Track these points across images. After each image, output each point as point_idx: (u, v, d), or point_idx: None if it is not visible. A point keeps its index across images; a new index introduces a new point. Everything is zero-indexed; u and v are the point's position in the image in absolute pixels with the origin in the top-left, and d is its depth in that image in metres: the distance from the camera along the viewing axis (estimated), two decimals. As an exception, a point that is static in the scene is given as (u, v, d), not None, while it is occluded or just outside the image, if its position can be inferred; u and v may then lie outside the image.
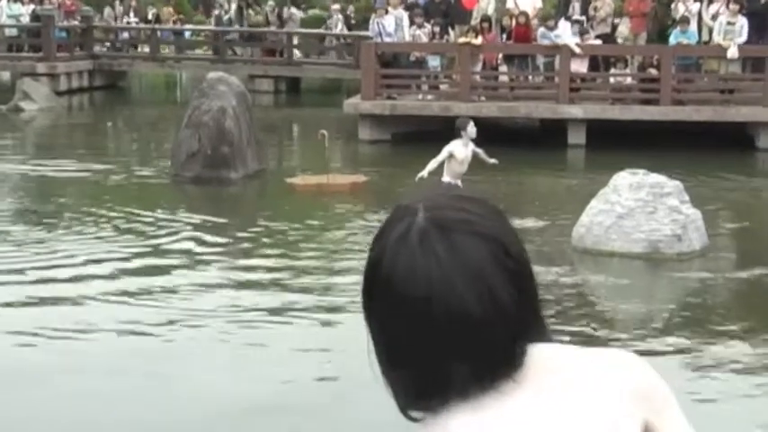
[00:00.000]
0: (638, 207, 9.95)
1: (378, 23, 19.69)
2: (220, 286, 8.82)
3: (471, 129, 12.75)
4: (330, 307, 8.24)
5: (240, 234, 10.92)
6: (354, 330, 6.98)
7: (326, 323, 7.89)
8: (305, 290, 8.75)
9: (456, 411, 1.43)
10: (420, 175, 12.91)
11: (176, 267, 9.50)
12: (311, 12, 38.59)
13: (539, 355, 1.45)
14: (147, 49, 29.51)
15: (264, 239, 10.64)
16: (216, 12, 31.41)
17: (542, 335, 1.48)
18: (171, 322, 7.76)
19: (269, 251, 10.16)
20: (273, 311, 8.07)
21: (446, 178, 12.74)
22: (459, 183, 12.61)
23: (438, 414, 1.43)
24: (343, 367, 6.68)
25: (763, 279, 9.26)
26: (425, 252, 1.41)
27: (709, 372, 6.84)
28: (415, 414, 1.46)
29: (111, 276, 9.04)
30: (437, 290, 1.39)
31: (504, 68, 20.02)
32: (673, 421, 1.50)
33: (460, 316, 1.39)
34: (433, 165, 12.75)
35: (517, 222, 11.58)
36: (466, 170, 12.72)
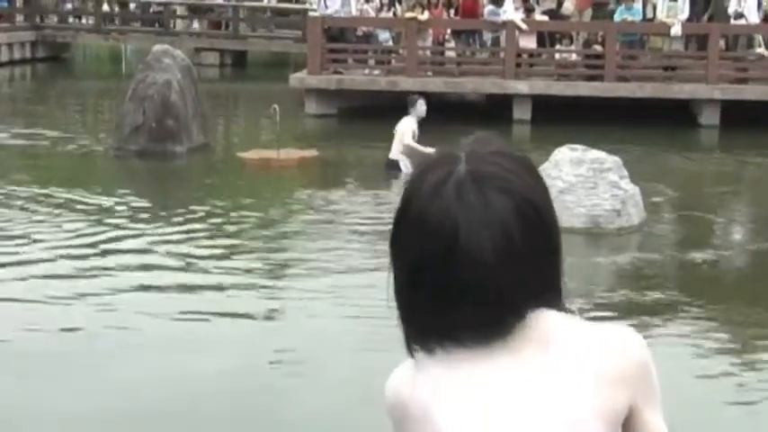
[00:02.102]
0: (578, 182, 10.08)
1: (323, -3, 19.62)
2: (165, 267, 8.75)
3: (420, 108, 12.84)
4: (278, 286, 8.25)
5: (184, 209, 10.85)
6: (303, 309, 6.97)
7: (273, 300, 7.89)
8: (251, 269, 8.74)
9: (441, 359, 1.50)
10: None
11: (119, 242, 9.41)
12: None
13: (542, 321, 1.50)
14: (91, 21, 29.15)
15: (209, 214, 10.59)
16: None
17: (555, 301, 1.53)
18: (114, 304, 7.64)
19: (214, 226, 10.12)
20: (220, 288, 8.02)
21: (395, 155, 12.81)
22: (407, 160, 12.70)
23: (431, 356, 1.51)
24: (295, 347, 6.69)
25: (696, 254, 9.43)
26: (459, 201, 1.47)
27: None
28: (414, 351, 1.55)
29: (52, 259, 8.84)
30: (462, 237, 1.46)
31: (451, 44, 20.07)
32: (653, 414, 1.54)
33: (477, 266, 1.46)
34: (427, 149, 12.81)
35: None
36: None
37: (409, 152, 12.57)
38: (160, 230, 9.79)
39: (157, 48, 15.01)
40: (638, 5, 19.19)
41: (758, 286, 8.61)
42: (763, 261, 9.38)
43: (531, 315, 1.49)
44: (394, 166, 12.71)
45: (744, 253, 9.83)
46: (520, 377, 1.48)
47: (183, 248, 9.18)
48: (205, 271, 8.52)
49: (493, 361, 1.49)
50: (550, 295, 1.52)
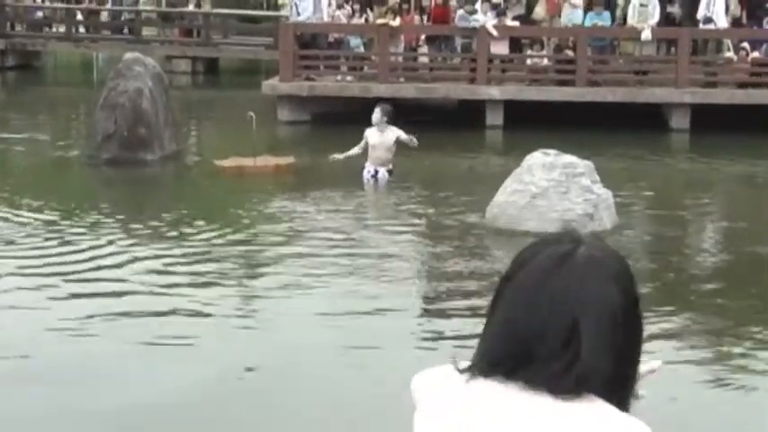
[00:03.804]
0: (551, 187, 10.12)
1: (295, 4, 19.62)
2: (139, 271, 8.72)
3: (374, 115, 12.84)
4: (252, 294, 8.23)
5: (156, 217, 10.80)
6: (276, 319, 6.95)
7: (246, 310, 7.87)
8: (225, 274, 8.72)
9: (482, 386, 1.66)
10: (335, 156, 12.96)
11: (91, 251, 9.35)
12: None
13: (592, 406, 1.61)
14: (62, 29, 28.98)
15: (182, 222, 10.55)
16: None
17: (617, 397, 1.65)
18: (89, 316, 7.59)
19: (188, 234, 10.07)
20: (193, 299, 7.97)
21: (366, 163, 12.83)
22: (379, 168, 12.72)
23: (481, 379, 1.67)
24: (267, 358, 6.67)
25: (669, 258, 9.51)
26: (581, 275, 1.66)
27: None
28: (471, 368, 1.70)
29: (23, 267, 8.81)
30: (567, 305, 1.64)
31: (424, 49, 20.13)
32: None
33: (567, 333, 1.62)
34: (353, 151, 12.84)
35: (435, 200, 11.70)
36: (385, 156, 12.79)
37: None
38: (132, 238, 9.74)
39: (128, 56, 14.95)
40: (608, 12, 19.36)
41: (730, 290, 8.67)
42: (736, 265, 9.45)
43: (591, 398, 1.62)
44: (391, 173, 12.78)
45: (716, 256, 9.90)
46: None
47: (156, 257, 9.13)
48: (178, 280, 8.48)
49: (526, 403, 1.62)
50: (614, 393, 1.65)
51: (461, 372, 1.70)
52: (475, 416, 1.64)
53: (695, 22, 18.97)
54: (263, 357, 6.71)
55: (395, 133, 12.71)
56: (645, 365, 1.83)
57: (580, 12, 19.42)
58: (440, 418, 1.68)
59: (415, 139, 12.70)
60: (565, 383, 1.60)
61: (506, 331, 1.68)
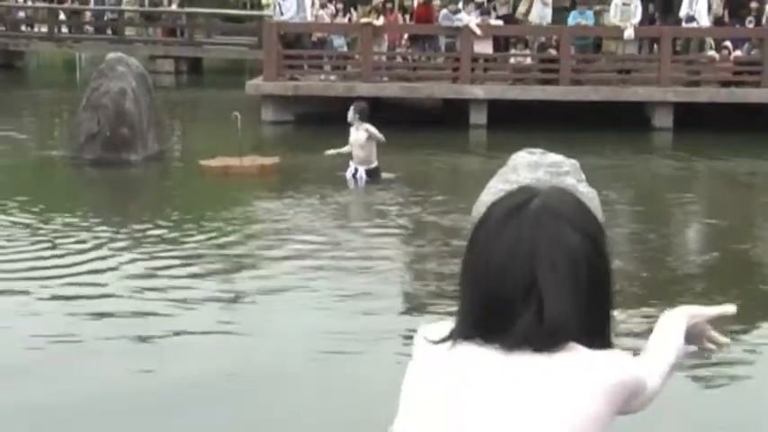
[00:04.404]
0: (536, 186, 10.12)
1: (278, 4, 19.59)
2: (121, 271, 8.69)
3: (348, 113, 12.87)
4: (236, 296, 8.21)
5: (138, 217, 10.77)
6: (258, 320, 6.93)
7: (232, 312, 7.85)
8: (209, 275, 8.70)
9: (467, 350, 1.66)
10: (328, 152, 13.02)
11: (75, 254, 9.32)
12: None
13: (573, 351, 1.62)
14: (44, 29, 28.87)
15: (166, 223, 10.52)
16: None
17: (598, 342, 1.66)
18: (72, 314, 7.57)
19: (171, 235, 10.04)
20: (175, 300, 7.95)
21: (351, 162, 12.84)
22: (359, 167, 12.72)
23: (467, 341, 1.67)
24: (247, 360, 6.65)
25: (655, 256, 9.54)
26: (536, 224, 1.64)
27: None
28: (458, 329, 1.70)
29: (3, 271, 8.77)
30: (536, 259, 1.62)
31: (408, 49, 20.13)
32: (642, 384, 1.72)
33: (527, 284, 1.61)
34: (344, 149, 12.86)
35: (419, 199, 11.70)
36: (361, 153, 12.78)
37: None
38: (114, 239, 9.70)
39: (111, 56, 14.90)
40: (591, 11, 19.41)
41: (714, 288, 8.70)
42: (720, 263, 9.49)
43: (570, 346, 1.62)
44: (375, 173, 12.78)
45: (700, 254, 9.94)
46: (520, 384, 1.61)
47: (139, 257, 9.10)
48: (160, 283, 8.46)
49: (510, 365, 1.62)
50: (593, 337, 1.65)
51: (446, 338, 1.70)
52: (462, 380, 1.64)
53: (674, 21, 19.05)
54: (247, 360, 6.67)
55: (366, 130, 12.70)
56: (716, 309, 1.84)
57: (549, 10, 19.47)
58: (430, 380, 1.68)
59: (380, 135, 12.66)
60: (539, 338, 1.60)
61: (474, 293, 1.67)
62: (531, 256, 1.61)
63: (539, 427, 1.57)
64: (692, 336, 1.97)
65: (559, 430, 1.56)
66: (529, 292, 1.60)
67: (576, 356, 1.60)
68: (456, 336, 1.68)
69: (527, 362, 1.60)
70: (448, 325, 1.72)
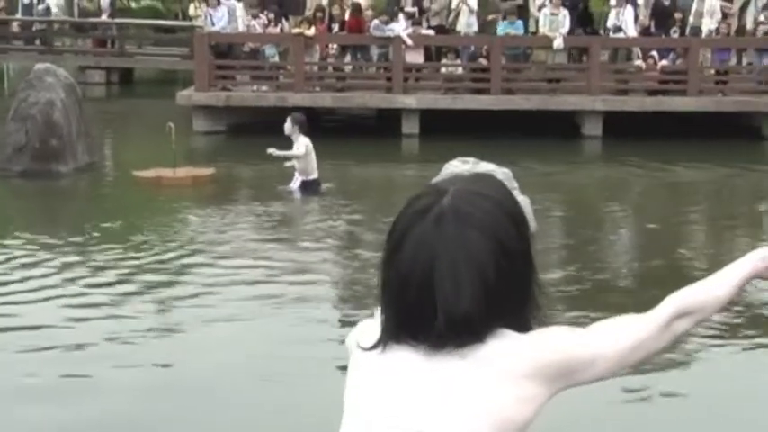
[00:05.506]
0: (468, 194, 10.19)
1: (209, 14, 19.49)
2: (51, 285, 8.57)
3: (286, 125, 12.84)
4: (168, 307, 8.14)
5: (69, 229, 10.62)
6: (192, 336, 6.83)
7: (164, 326, 7.79)
8: (145, 284, 8.62)
9: (394, 354, 1.70)
10: (273, 151, 12.86)
11: (7, 265, 9.18)
12: (144, 2, 37.84)
13: (496, 338, 1.65)
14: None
15: (96, 235, 10.39)
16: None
17: (520, 322, 1.68)
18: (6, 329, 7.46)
19: (103, 247, 9.93)
20: (108, 314, 7.85)
21: (296, 174, 12.82)
22: (298, 177, 12.69)
23: (389, 345, 1.71)
24: (182, 379, 6.57)
25: (583, 263, 9.66)
26: (437, 229, 1.66)
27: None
28: (382, 333, 1.73)
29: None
30: (437, 264, 1.64)
31: (341, 59, 20.15)
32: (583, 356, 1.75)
33: (450, 293, 1.64)
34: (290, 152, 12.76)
35: (353, 210, 11.71)
36: (301, 166, 12.73)
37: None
38: (44, 251, 9.57)
39: (39, 66, 14.71)
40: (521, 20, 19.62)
41: (646, 292, 8.83)
42: (651, 267, 9.63)
43: (490, 335, 1.65)
44: (312, 185, 12.73)
45: (631, 259, 10.09)
46: (443, 380, 1.64)
47: (67, 269, 8.99)
48: (92, 298, 8.36)
49: (433, 364, 1.66)
50: (515, 318, 1.68)
51: (376, 344, 1.73)
52: (394, 383, 1.68)
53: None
54: (179, 377, 6.58)
55: (306, 146, 12.65)
56: None
57: (475, 19, 19.66)
58: (365, 386, 1.72)
59: (298, 153, 12.60)
60: (451, 338, 1.63)
61: (390, 299, 1.71)
62: (431, 260, 1.64)
63: (463, 420, 1.61)
64: None
65: (482, 421, 1.61)
66: (434, 296, 1.64)
67: (501, 345, 1.64)
68: (384, 341, 1.72)
69: (451, 359, 1.64)
70: (378, 325, 1.76)
